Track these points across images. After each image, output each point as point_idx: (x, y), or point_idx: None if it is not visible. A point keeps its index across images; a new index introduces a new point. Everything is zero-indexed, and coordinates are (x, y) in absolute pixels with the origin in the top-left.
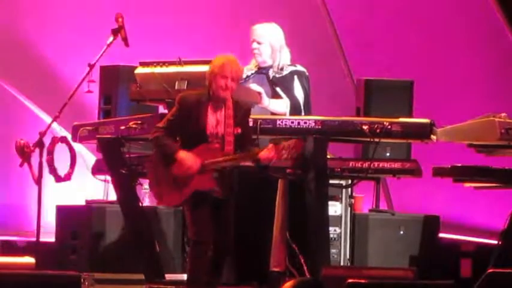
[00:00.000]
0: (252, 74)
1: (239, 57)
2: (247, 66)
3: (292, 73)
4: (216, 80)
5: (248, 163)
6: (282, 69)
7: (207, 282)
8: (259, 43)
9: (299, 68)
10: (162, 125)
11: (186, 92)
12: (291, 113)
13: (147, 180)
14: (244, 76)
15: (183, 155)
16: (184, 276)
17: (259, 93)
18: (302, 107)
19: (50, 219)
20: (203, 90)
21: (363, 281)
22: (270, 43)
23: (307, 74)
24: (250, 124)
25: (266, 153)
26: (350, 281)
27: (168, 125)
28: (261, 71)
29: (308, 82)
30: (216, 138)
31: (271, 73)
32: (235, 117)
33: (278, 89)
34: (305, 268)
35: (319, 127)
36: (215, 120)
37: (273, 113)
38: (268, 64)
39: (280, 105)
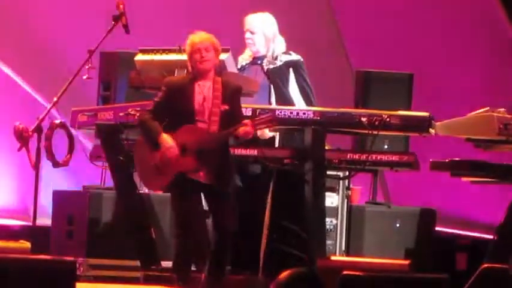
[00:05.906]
0: (246, 64)
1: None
2: (242, 56)
3: (287, 64)
4: (192, 58)
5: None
6: (276, 58)
7: (184, 276)
8: (252, 33)
9: (293, 56)
10: (149, 108)
11: (172, 76)
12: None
13: None
14: (239, 66)
15: (164, 137)
16: None
17: (258, 82)
18: (297, 103)
19: (46, 203)
20: (187, 75)
21: (358, 273)
22: (263, 32)
23: (301, 60)
24: (249, 113)
25: (244, 128)
26: (345, 272)
27: (155, 107)
28: (256, 61)
29: (304, 70)
30: (202, 116)
31: (265, 64)
32: (224, 94)
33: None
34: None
35: (318, 118)
36: (202, 98)
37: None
38: (262, 54)
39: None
